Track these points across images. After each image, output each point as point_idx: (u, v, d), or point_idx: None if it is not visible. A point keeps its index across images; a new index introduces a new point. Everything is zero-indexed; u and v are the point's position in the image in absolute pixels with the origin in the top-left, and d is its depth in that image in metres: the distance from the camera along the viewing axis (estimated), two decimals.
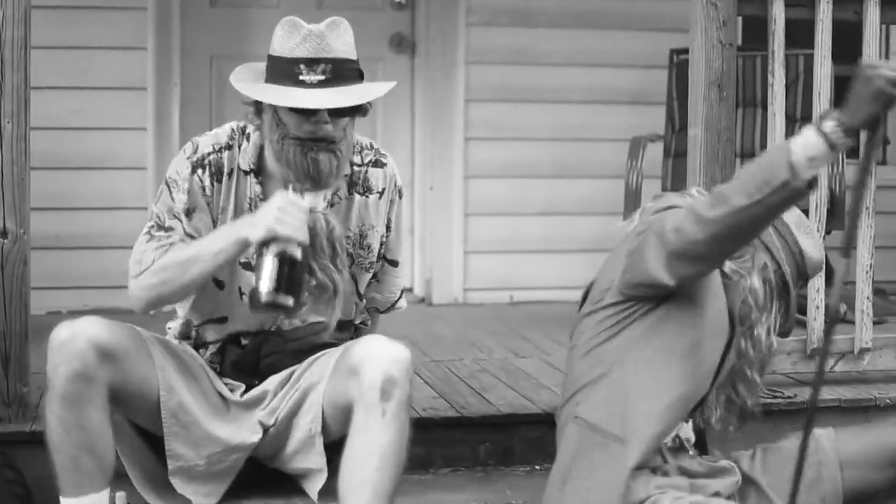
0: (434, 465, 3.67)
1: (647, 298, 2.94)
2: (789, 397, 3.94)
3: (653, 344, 2.94)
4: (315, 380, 3.13)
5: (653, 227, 2.89)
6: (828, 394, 3.98)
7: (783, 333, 3.16)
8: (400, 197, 3.36)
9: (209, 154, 3.16)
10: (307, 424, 3.13)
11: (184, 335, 3.27)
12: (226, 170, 3.17)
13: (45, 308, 5.02)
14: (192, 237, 3.13)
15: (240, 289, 3.19)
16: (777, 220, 2.99)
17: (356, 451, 2.95)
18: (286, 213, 2.94)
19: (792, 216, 3.05)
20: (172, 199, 3.15)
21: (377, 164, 3.29)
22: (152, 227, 3.14)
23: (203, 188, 3.15)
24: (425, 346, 4.37)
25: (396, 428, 2.95)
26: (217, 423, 3.15)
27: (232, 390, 3.23)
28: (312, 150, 3.03)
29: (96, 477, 2.99)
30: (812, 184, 2.68)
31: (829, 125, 2.65)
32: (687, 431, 3.07)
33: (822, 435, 3.10)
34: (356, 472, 2.94)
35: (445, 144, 5.74)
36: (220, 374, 3.25)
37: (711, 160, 3.85)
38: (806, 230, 3.12)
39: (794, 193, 2.68)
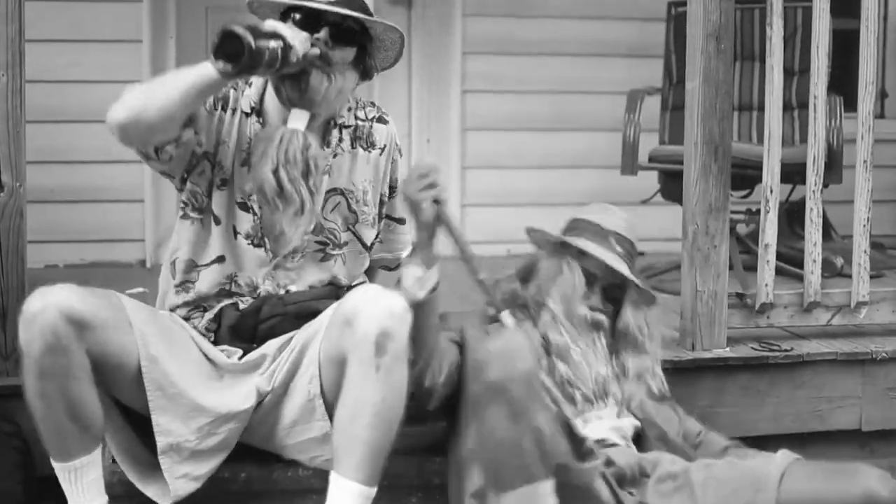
0: (430, 417, 3.67)
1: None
2: (786, 350, 3.95)
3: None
4: (311, 335, 3.10)
5: None
6: (825, 347, 3.99)
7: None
8: (400, 155, 3.37)
9: (227, 91, 3.17)
10: (305, 386, 3.07)
11: (184, 282, 3.20)
12: (230, 105, 3.16)
13: (42, 262, 5.03)
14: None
15: (234, 227, 3.16)
16: None
17: (349, 405, 2.92)
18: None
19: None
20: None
21: (380, 120, 3.31)
22: None
23: (213, 103, 3.14)
24: None
25: (391, 384, 2.90)
26: (206, 392, 3.06)
27: (228, 356, 3.16)
28: (307, 70, 3.03)
29: (84, 441, 2.95)
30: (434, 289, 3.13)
31: (406, 258, 3.16)
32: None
33: (771, 473, 2.99)
34: (349, 427, 2.91)
35: (442, 97, 5.73)
36: (217, 342, 3.19)
37: (709, 113, 3.85)
38: (595, 208, 3.40)
39: (426, 303, 3.12)
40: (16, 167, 3.46)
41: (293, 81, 3.07)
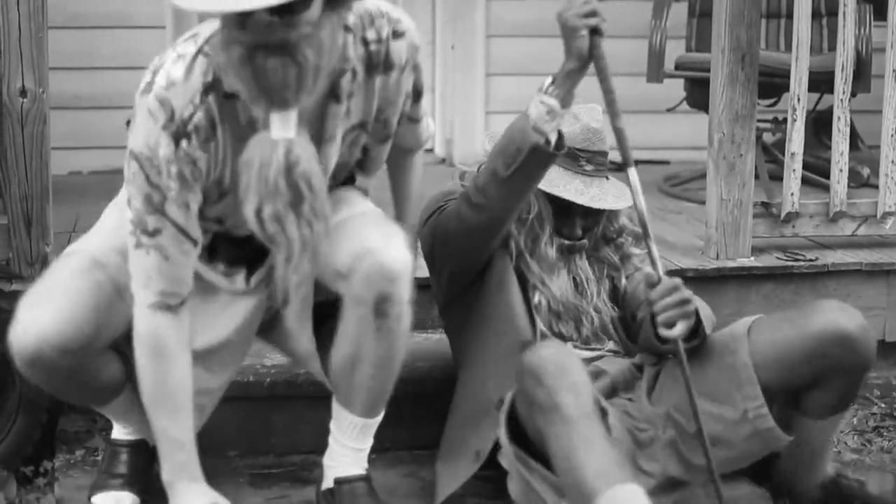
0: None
1: (460, 289, 3.14)
2: (810, 260, 3.94)
3: (476, 322, 3.12)
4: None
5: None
6: (850, 258, 3.98)
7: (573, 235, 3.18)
8: (418, 53, 2.82)
9: (191, 116, 2.56)
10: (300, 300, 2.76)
11: None
12: (217, 118, 2.59)
13: (67, 168, 5.03)
14: (185, 233, 2.64)
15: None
16: None
17: (348, 354, 2.80)
18: None
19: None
20: (151, 184, 2.57)
21: (396, 35, 2.71)
22: (137, 232, 2.63)
23: (194, 161, 2.58)
24: None
25: (391, 340, 2.76)
26: (204, 331, 2.81)
27: (231, 281, 2.85)
28: (258, 55, 2.41)
29: (109, 395, 2.93)
30: (560, 146, 2.84)
31: (546, 86, 2.82)
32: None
33: (739, 336, 3.01)
34: (349, 375, 2.83)
35: (467, 2, 5.66)
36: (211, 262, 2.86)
37: (737, 20, 3.80)
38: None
39: (549, 155, 2.83)
40: (38, 72, 3.45)
41: (253, 88, 2.46)
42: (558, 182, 3.08)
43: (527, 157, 2.82)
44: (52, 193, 3.51)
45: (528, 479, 2.82)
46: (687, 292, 2.82)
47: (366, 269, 2.68)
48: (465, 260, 3.07)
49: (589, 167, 3.11)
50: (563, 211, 3.12)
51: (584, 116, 3.10)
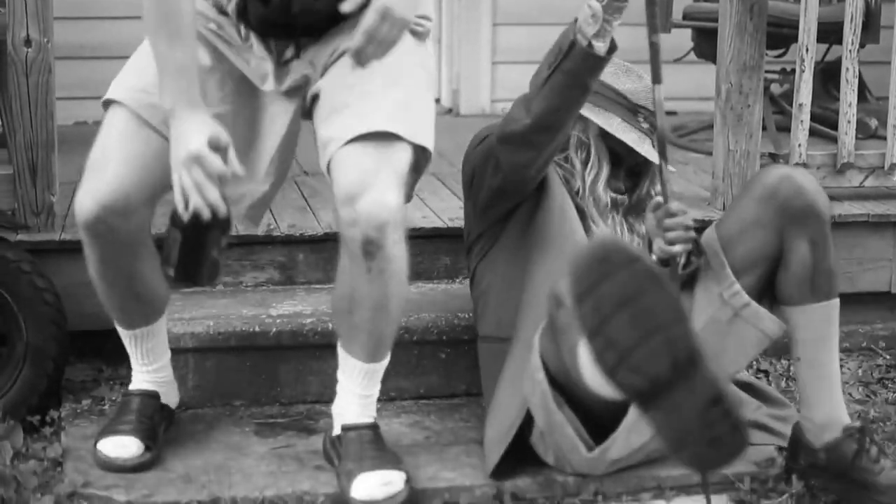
0: (460, 273, 3.69)
1: (500, 212, 3.09)
2: None
3: (519, 249, 3.07)
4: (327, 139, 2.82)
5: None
6: (857, 209, 3.97)
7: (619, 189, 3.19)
8: None
9: None
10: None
11: None
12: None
13: (72, 118, 5.01)
14: None
15: None
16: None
17: (346, 295, 2.82)
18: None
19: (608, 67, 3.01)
20: None
21: None
22: None
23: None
24: (452, 157, 4.34)
25: (385, 281, 2.75)
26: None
27: (262, 70, 2.91)
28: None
29: (147, 315, 3.03)
30: (612, 49, 2.82)
31: None
32: None
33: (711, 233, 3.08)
34: (349, 316, 2.84)
35: None
36: (246, 39, 2.92)
37: None
38: (620, 70, 3.18)
39: (588, 56, 2.79)
40: (43, 22, 3.43)
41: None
42: (619, 129, 3.11)
43: (567, 55, 2.81)
44: (58, 143, 3.51)
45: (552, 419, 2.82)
46: (691, 222, 2.98)
47: (355, 211, 2.69)
48: (515, 171, 2.98)
49: (645, 125, 3.15)
50: (613, 161, 3.16)
51: (648, 77, 3.10)
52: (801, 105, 3.92)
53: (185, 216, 2.67)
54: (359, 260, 2.73)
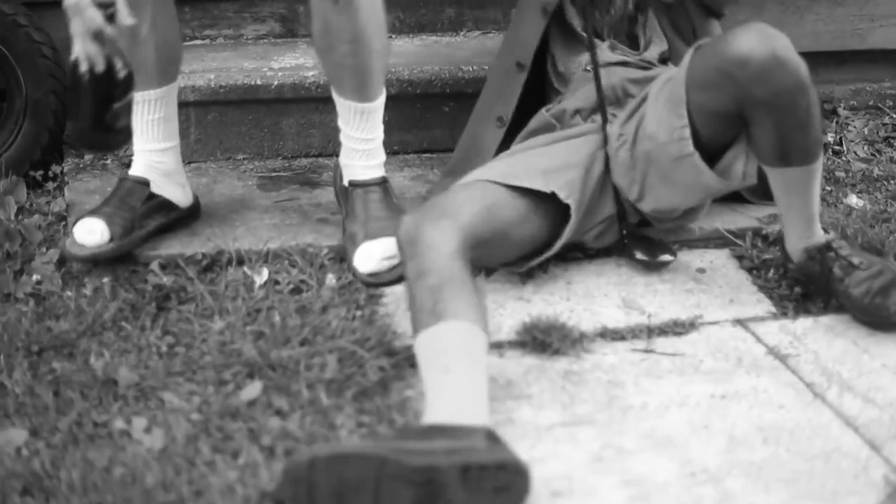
0: (465, 26, 3.64)
1: None
2: None
3: None
4: None
5: None
6: None
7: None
8: None
9: None
10: None
11: None
12: None
13: None
14: None
15: None
16: None
17: (321, 30, 2.76)
18: None
19: None
20: None
21: None
22: None
23: None
24: None
25: (354, 10, 2.71)
26: None
27: None
28: None
29: (159, 75, 2.92)
30: None
31: None
32: None
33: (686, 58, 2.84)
34: (329, 54, 2.79)
35: None
36: None
37: None
38: None
39: None
40: None
41: None
42: None
43: None
44: None
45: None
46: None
47: None
48: None
49: None
50: None
51: None
52: None
53: (82, 67, 2.59)
54: None
